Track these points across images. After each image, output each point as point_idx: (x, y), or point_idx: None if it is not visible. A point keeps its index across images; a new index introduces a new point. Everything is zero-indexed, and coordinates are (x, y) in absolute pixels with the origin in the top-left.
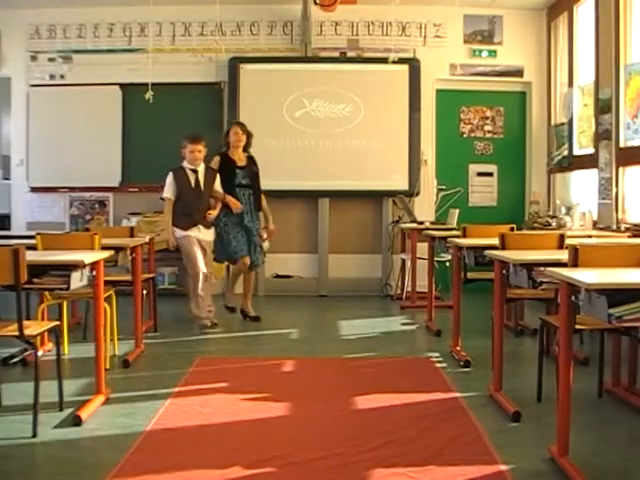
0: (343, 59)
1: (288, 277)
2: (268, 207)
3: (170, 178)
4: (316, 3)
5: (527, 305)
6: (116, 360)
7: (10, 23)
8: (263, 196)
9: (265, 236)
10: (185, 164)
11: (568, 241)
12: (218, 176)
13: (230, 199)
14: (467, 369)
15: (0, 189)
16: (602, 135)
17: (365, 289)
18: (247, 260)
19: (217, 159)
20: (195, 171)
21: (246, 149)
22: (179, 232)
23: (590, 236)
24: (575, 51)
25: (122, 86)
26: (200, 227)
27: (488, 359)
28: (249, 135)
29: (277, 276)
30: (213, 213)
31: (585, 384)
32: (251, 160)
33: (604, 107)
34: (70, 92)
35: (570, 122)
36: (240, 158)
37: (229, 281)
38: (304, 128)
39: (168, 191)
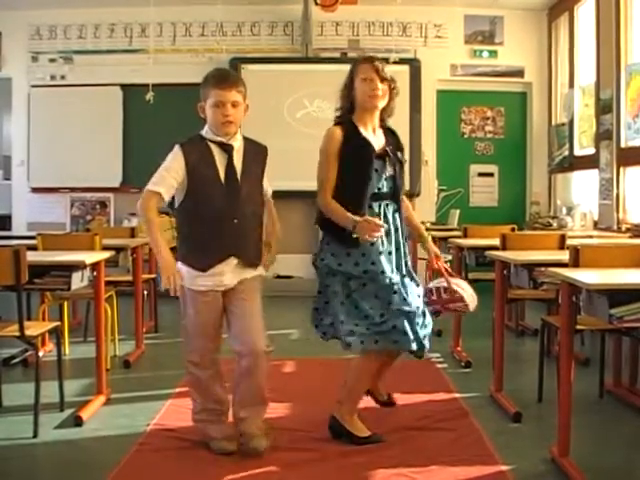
0: (344, 59)
1: (289, 277)
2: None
3: (177, 156)
4: (317, 3)
5: (528, 305)
6: (117, 361)
7: (11, 24)
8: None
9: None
10: (206, 132)
11: (569, 241)
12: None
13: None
14: (468, 370)
15: (1, 189)
16: (603, 135)
17: None
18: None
19: (335, 133)
20: (227, 147)
21: (384, 117)
22: (189, 274)
23: (591, 236)
24: (576, 51)
25: (123, 87)
26: (235, 263)
27: (489, 360)
28: (394, 89)
29: (278, 277)
30: (271, 253)
31: (586, 385)
32: (391, 135)
33: (605, 107)
34: (71, 93)
35: (571, 122)
36: (375, 134)
37: (350, 381)
38: (305, 129)
39: (162, 181)
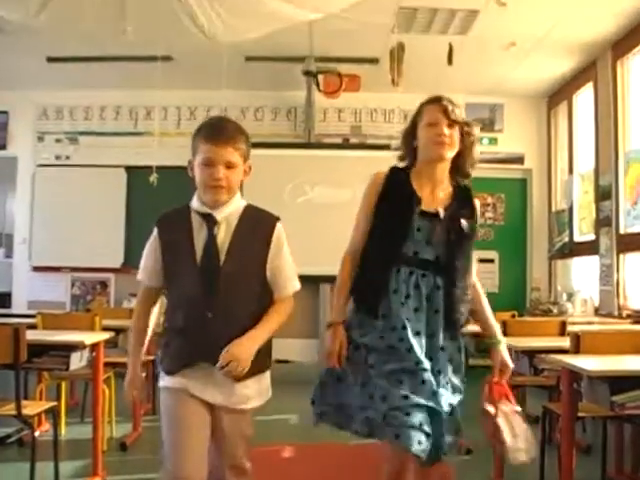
0: (346, 145)
1: (287, 362)
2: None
3: (153, 234)
4: (320, 90)
5: (529, 392)
6: (113, 442)
7: (19, 104)
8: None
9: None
10: (194, 203)
11: (570, 328)
12: (285, 244)
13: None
14: (468, 457)
15: (2, 267)
16: (603, 222)
17: None
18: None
19: (377, 177)
20: (211, 219)
21: (464, 170)
22: (161, 378)
23: (592, 323)
24: (575, 138)
25: (127, 168)
26: (214, 373)
27: (489, 447)
28: (468, 134)
29: (277, 361)
30: (240, 364)
31: (588, 472)
32: (462, 199)
33: (604, 194)
34: (75, 173)
35: (571, 209)
36: (435, 192)
37: None
38: (305, 215)
39: (143, 268)
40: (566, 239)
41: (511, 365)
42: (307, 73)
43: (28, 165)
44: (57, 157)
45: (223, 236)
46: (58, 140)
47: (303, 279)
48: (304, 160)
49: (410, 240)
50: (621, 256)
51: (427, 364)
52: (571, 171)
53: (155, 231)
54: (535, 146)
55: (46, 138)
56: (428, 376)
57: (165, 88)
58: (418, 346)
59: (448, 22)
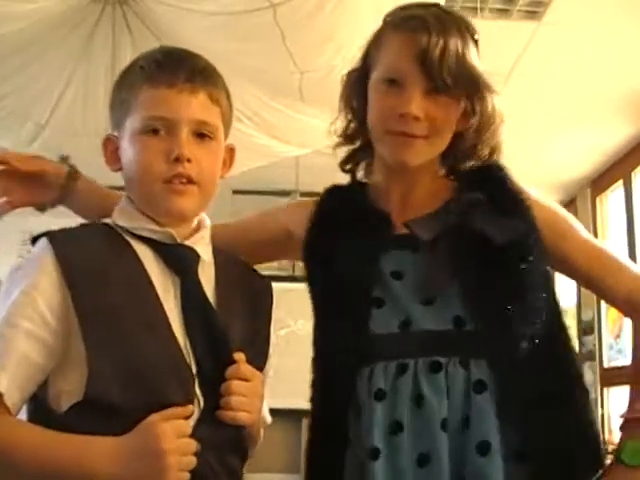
0: None
1: None
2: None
3: (40, 270)
4: None
5: None
6: None
7: (3, 228)
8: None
9: None
10: (119, 214)
11: None
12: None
13: None
14: None
15: None
16: (586, 356)
17: None
18: None
19: (301, 207)
20: (188, 257)
21: (458, 155)
22: None
23: None
24: (556, 274)
25: None
26: None
27: None
28: (481, 100)
29: None
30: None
31: None
32: (481, 184)
33: (587, 328)
34: None
35: None
36: (414, 192)
37: None
38: (287, 347)
39: (5, 363)
40: None
41: None
42: None
43: None
44: None
45: (211, 291)
46: None
47: (285, 413)
48: (288, 293)
49: (385, 302)
50: (605, 390)
51: None
52: None
53: (49, 259)
54: None
55: None
56: None
57: None
58: None
59: None
